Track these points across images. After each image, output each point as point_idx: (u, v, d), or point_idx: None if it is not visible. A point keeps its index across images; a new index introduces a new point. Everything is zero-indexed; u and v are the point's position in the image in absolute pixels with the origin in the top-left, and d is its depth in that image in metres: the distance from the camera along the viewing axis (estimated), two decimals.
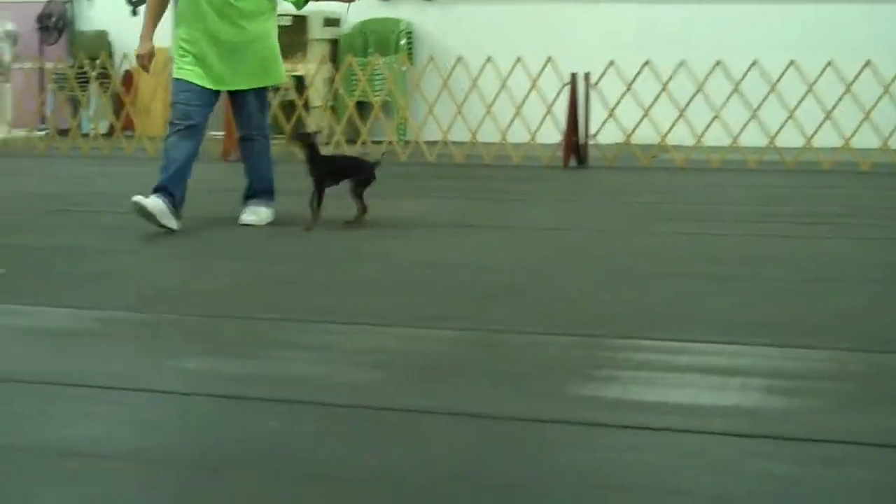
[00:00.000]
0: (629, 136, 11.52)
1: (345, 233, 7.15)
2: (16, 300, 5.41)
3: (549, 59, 11.67)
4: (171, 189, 7.20)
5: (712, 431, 3.47)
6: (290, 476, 3.14)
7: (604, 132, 11.60)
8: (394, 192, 8.82)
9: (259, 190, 7.67)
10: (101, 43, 15.02)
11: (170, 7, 7.61)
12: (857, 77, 10.99)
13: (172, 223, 7.13)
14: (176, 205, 7.21)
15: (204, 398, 3.88)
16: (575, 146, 11.32)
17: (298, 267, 6.29)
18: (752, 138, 11.38)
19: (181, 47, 7.42)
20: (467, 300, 5.37)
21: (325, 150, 7.54)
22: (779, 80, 11.26)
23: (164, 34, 7.62)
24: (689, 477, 3.12)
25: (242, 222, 7.57)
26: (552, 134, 11.60)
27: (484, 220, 7.98)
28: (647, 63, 11.45)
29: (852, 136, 11.00)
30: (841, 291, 5.56)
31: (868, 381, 4.09)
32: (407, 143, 12.54)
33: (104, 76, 13.88)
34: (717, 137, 11.48)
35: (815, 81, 11.12)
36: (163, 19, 7.59)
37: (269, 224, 7.55)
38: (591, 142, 11.43)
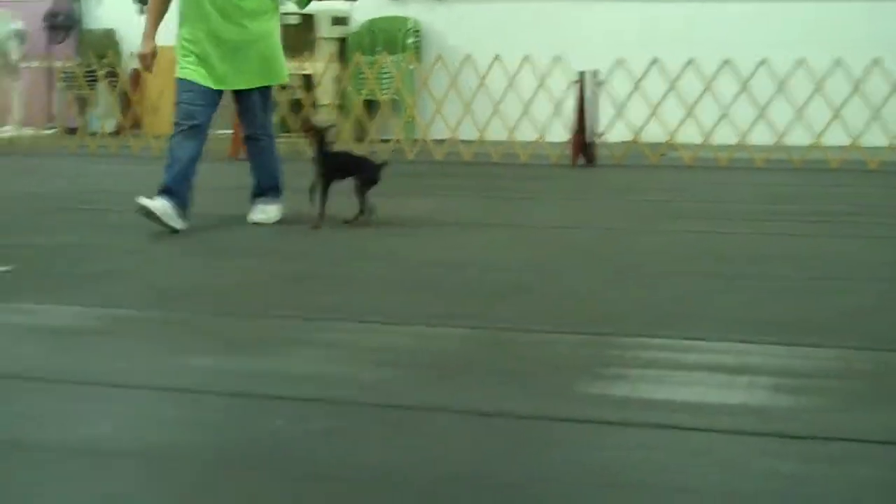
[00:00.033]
0: (637, 134, 11.52)
1: (352, 231, 7.15)
2: (24, 298, 5.42)
3: (556, 58, 11.67)
4: (176, 190, 7.20)
5: (720, 430, 3.47)
6: (298, 473, 3.14)
7: (612, 130, 11.59)
8: (401, 190, 8.82)
9: (267, 188, 7.67)
10: (108, 41, 15.02)
11: (174, 6, 7.60)
12: (865, 75, 10.98)
13: (178, 224, 7.14)
14: (182, 205, 7.21)
15: (212, 396, 3.88)
16: (583, 144, 11.31)
17: (306, 265, 6.29)
18: (760, 136, 11.36)
19: (184, 47, 7.41)
20: (475, 298, 5.37)
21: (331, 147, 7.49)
22: (786, 78, 11.24)
23: (171, 33, 7.59)
24: (696, 475, 3.12)
25: (251, 221, 7.58)
26: (560, 132, 11.60)
27: (492, 218, 7.98)
28: (655, 61, 11.44)
29: (861, 134, 10.99)
30: (848, 290, 5.56)
31: (875, 380, 4.09)
32: (415, 141, 12.53)
33: (112, 75, 13.90)
34: (724, 136, 11.46)
35: (823, 80, 11.11)
36: (170, 18, 7.58)
37: (278, 222, 7.56)
38: (599, 140, 11.42)
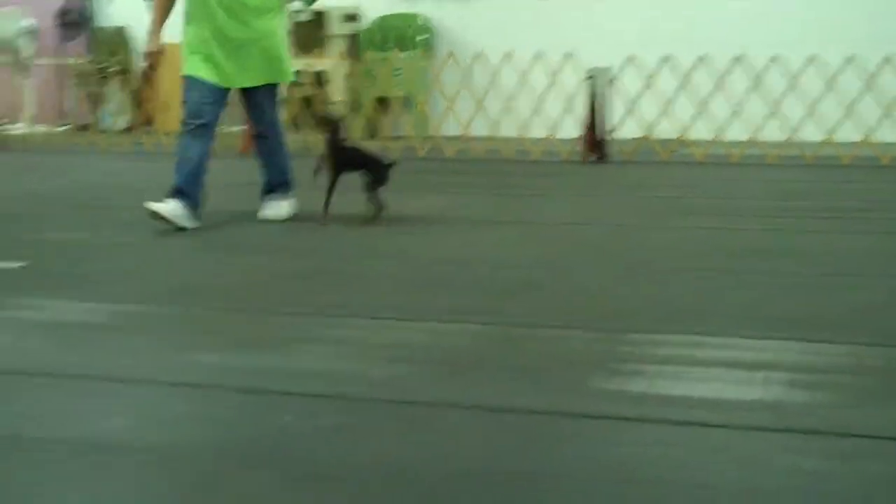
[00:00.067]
0: (649, 131, 11.51)
1: (362, 228, 7.15)
2: (36, 294, 5.43)
3: (568, 55, 11.66)
4: (186, 191, 7.21)
5: (737, 426, 3.47)
6: (307, 470, 3.14)
7: (623, 127, 11.59)
8: (413, 187, 8.81)
9: (277, 184, 7.68)
10: (120, 39, 15.05)
11: (180, 4, 7.57)
12: (877, 71, 10.95)
13: (189, 223, 7.15)
14: (193, 206, 7.22)
15: (221, 392, 3.89)
16: (594, 141, 11.30)
17: (316, 262, 6.29)
18: (772, 133, 11.35)
19: (190, 45, 7.40)
20: (487, 295, 5.37)
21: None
22: (798, 74, 11.22)
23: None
24: (716, 471, 3.12)
25: (262, 217, 7.59)
26: (571, 129, 11.59)
27: (503, 215, 7.98)
28: (666, 58, 11.43)
29: (873, 130, 10.97)
30: (860, 286, 5.54)
31: (886, 376, 4.08)
32: (426, 138, 12.53)
33: (123, 72, 13.92)
34: (736, 132, 11.45)
35: (835, 76, 11.08)
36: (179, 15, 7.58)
37: (288, 218, 7.57)
38: (610, 137, 11.41)
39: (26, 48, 15.10)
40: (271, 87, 7.59)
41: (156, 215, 7.04)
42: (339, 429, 3.50)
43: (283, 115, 12.72)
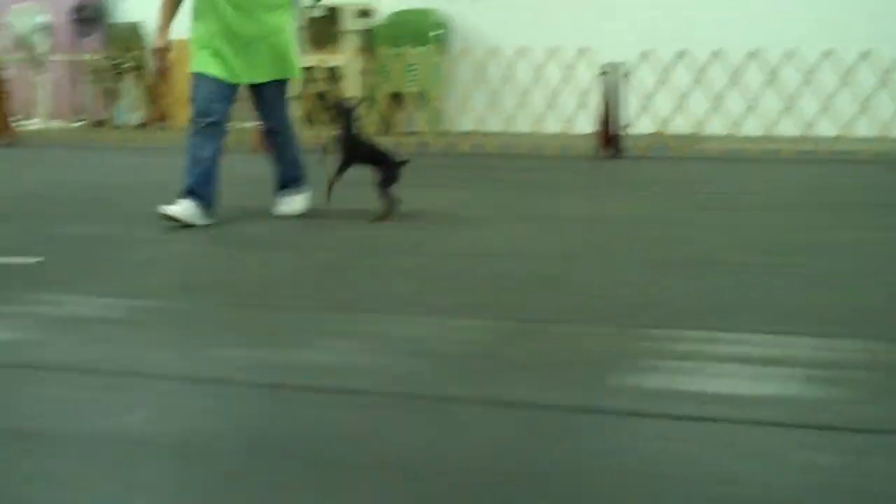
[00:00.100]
0: (664, 126, 11.50)
1: (377, 224, 7.16)
2: (53, 289, 5.45)
3: (582, 50, 11.66)
4: (199, 191, 7.21)
5: (753, 421, 3.47)
6: (327, 464, 3.15)
7: (638, 123, 11.58)
8: (427, 182, 8.83)
9: (290, 180, 7.68)
10: (135, 35, 15.09)
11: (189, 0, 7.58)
12: (893, 67, 10.93)
13: (202, 221, 7.17)
14: (207, 205, 7.23)
15: (241, 387, 3.90)
16: (609, 137, 11.30)
17: (332, 257, 6.30)
18: (788, 128, 11.34)
19: (198, 41, 7.38)
20: (503, 290, 5.37)
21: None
22: (814, 69, 11.20)
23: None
24: (735, 467, 3.12)
25: (277, 213, 7.60)
26: (586, 124, 11.59)
27: (518, 210, 7.98)
28: (682, 53, 11.42)
29: (889, 125, 10.95)
30: (875, 282, 5.53)
31: None
32: (440, 133, 12.54)
33: (138, 68, 13.95)
34: (752, 127, 11.44)
35: (851, 71, 11.06)
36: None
37: (303, 214, 7.58)
38: (624, 132, 11.41)
39: (41, 44, 15.15)
40: (281, 84, 7.57)
41: (169, 219, 7.05)
42: (357, 423, 3.51)
43: (298, 111, 12.78)
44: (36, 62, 15.16)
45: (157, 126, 13.53)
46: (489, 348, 4.38)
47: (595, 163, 10.98)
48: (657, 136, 11.49)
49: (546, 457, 3.21)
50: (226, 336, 4.62)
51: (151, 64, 13.93)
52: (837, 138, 11.02)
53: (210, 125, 7.26)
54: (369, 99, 13.19)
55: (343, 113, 7.40)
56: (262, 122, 7.73)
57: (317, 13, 13.44)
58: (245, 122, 11.19)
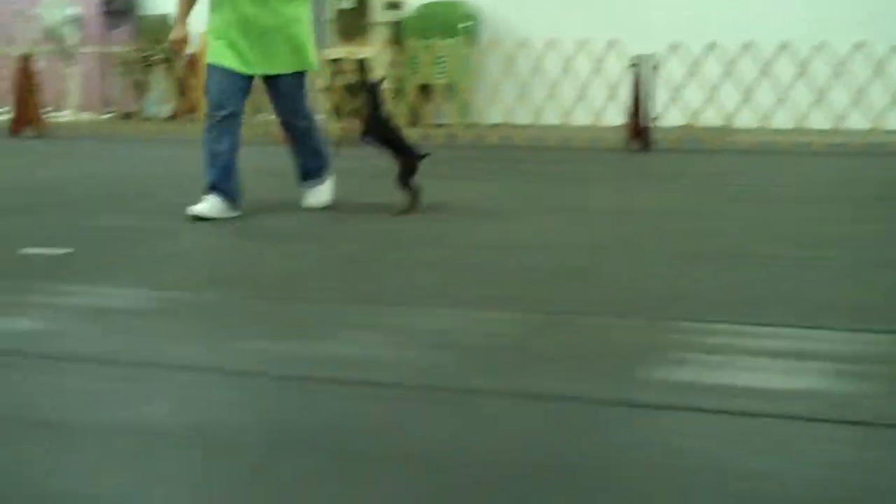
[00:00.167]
0: (694, 118, 11.44)
1: (402, 216, 7.13)
2: (80, 280, 5.45)
3: (612, 42, 11.60)
4: (222, 186, 7.21)
5: (786, 415, 3.42)
6: (351, 456, 3.13)
7: (667, 115, 11.53)
8: (455, 174, 8.81)
9: (313, 170, 7.63)
10: (164, 27, 15.09)
11: None
12: None
13: (230, 214, 7.17)
14: (232, 199, 7.23)
15: (266, 379, 3.88)
16: (638, 129, 11.25)
17: (357, 250, 6.27)
18: (818, 121, 11.27)
19: (214, 31, 7.35)
20: (531, 282, 5.34)
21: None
22: (844, 61, 11.12)
23: None
24: (763, 462, 3.08)
25: (305, 205, 7.58)
26: (615, 117, 11.54)
27: (547, 202, 7.95)
28: (712, 46, 11.36)
29: None
30: None
31: None
32: (469, 126, 12.50)
33: (168, 60, 13.97)
34: (782, 120, 11.37)
35: (882, 63, 10.98)
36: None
37: (328, 207, 7.55)
38: (654, 124, 11.35)
39: (71, 36, 15.20)
40: (297, 76, 7.49)
41: (197, 218, 7.05)
42: (382, 415, 3.48)
43: (326, 103, 12.78)
44: (66, 54, 15.21)
45: (186, 118, 13.54)
46: (517, 340, 4.35)
47: (624, 155, 10.93)
48: (687, 129, 11.43)
49: (573, 449, 3.18)
50: (250, 328, 4.60)
51: (181, 56, 13.95)
52: (869, 131, 10.93)
53: (225, 118, 7.23)
54: (398, 91, 13.18)
55: (368, 91, 7.36)
56: (277, 115, 7.64)
57: (346, 5, 13.43)
58: (270, 115, 11.18)
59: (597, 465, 3.08)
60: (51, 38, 15.22)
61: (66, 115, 15.13)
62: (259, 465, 3.10)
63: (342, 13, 13.53)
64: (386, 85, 7.67)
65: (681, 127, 11.51)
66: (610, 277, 5.49)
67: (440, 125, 12.86)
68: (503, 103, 12.24)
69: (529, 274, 5.52)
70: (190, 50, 13.69)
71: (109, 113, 15.45)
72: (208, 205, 7.13)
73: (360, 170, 8.76)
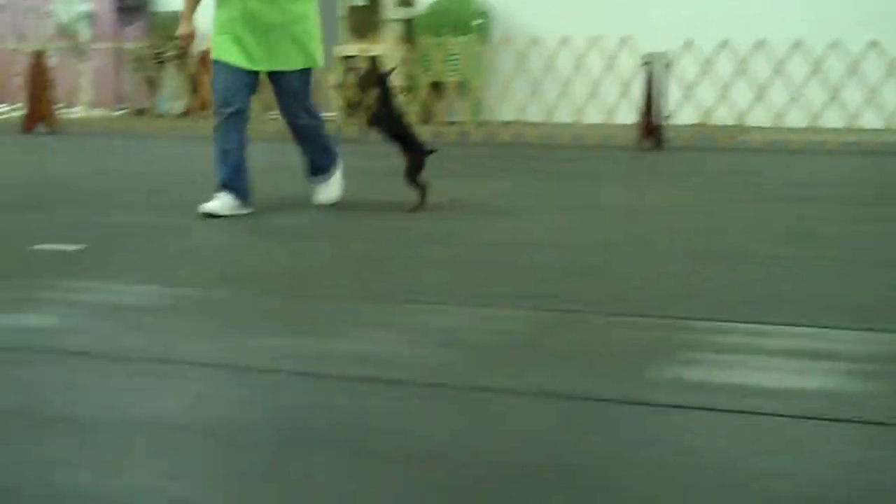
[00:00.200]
0: (706, 117, 11.42)
1: (413, 214, 7.13)
2: (93, 277, 5.46)
3: (625, 40, 11.59)
4: (233, 184, 7.21)
5: (796, 415, 3.41)
6: (364, 453, 3.13)
7: (680, 113, 11.51)
8: (467, 172, 8.80)
9: (322, 166, 7.62)
10: (177, 24, 15.10)
11: None
12: None
13: (243, 211, 7.18)
14: (243, 196, 7.23)
15: (279, 375, 3.88)
16: (650, 127, 11.24)
17: (369, 247, 6.27)
18: (832, 119, 11.24)
19: (219, 26, 7.34)
20: (543, 280, 5.33)
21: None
22: (858, 60, 11.09)
23: None
24: (772, 461, 3.07)
25: (316, 202, 7.58)
26: (628, 114, 11.53)
27: (559, 200, 7.94)
28: (724, 43, 11.34)
29: None
30: None
31: None
32: (481, 123, 12.49)
33: (180, 57, 13.99)
34: (795, 119, 11.35)
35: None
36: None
37: (339, 204, 7.55)
38: (666, 123, 11.34)
39: (84, 33, 15.23)
40: (303, 73, 7.47)
41: (209, 216, 7.05)
42: (394, 413, 3.48)
43: (338, 100, 12.78)
44: (78, 50, 15.24)
45: (198, 115, 13.55)
46: (528, 338, 4.34)
47: (636, 153, 10.91)
48: (700, 127, 11.41)
49: (583, 448, 3.17)
50: (262, 325, 4.61)
51: (194, 53, 13.96)
52: (883, 130, 10.90)
53: (232, 115, 7.23)
54: (410, 89, 13.17)
55: (379, 83, 7.35)
56: (282, 112, 7.61)
57: (358, 2, 13.43)
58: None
59: (608, 463, 3.07)
60: (64, 35, 15.25)
61: (78, 112, 15.16)
62: (271, 462, 3.10)
63: (354, 10, 13.52)
64: (396, 78, 7.63)
65: (693, 125, 11.49)
66: (621, 276, 5.48)
67: (452, 122, 12.85)
68: (515, 101, 12.23)
69: (541, 272, 5.52)
70: (202, 47, 13.76)
71: (122, 109, 15.47)
72: (220, 202, 7.14)
73: (371, 168, 8.76)
